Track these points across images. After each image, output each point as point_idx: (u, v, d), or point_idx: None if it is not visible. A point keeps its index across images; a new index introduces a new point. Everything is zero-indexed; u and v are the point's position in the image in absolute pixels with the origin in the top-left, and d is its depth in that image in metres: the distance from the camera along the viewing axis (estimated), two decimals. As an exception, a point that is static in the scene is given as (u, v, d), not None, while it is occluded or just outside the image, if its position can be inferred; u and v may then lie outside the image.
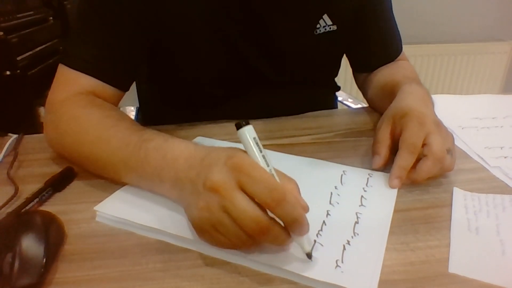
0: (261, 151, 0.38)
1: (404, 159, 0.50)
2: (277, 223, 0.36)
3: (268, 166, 0.38)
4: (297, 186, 0.39)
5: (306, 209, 0.38)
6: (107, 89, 0.60)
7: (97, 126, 0.52)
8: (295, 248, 0.39)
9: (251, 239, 0.37)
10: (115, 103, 0.63)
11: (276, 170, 0.39)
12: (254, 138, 0.38)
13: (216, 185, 0.36)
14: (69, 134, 0.54)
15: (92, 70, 0.59)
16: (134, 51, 0.63)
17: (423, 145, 0.50)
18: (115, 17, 0.60)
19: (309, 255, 0.38)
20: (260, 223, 0.35)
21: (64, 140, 0.55)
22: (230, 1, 0.64)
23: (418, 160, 0.50)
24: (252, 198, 0.35)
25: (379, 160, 0.54)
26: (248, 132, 0.38)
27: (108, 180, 0.51)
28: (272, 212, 0.36)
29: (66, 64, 0.59)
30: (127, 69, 0.64)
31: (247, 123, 0.38)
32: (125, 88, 0.64)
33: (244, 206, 0.35)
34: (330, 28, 0.70)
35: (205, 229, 0.38)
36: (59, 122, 0.56)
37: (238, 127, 0.38)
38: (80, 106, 0.56)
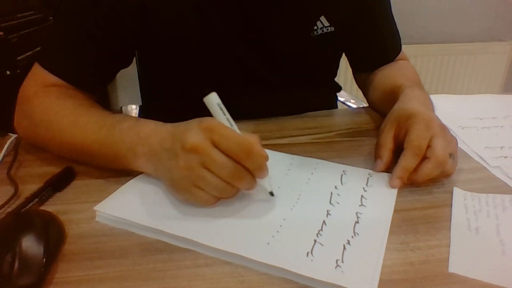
0: (224, 114, 0.44)
1: (408, 160, 0.50)
2: (247, 170, 0.43)
3: (232, 126, 0.44)
4: (259, 139, 0.44)
5: (266, 158, 0.43)
6: (77, 90, 0.61)
7: (71, 114, 0.55)
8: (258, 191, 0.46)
9: (228, 187, 0.43)
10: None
11: (240, 130, 0.44)
12: (218, 104, 0.43)
13: (194, 145, 0.41)
14: (44, 123, 0.56)
15: (62, 74, 0.60)
16: (107, 59, 0.63)
17: (427, 147, 0.50)
18: (92, 23, 0.60)
19: (271, 193, 0.47)
20: (237, 170, 0.42)
21: (38, 130, 0.58)
22: (226, 3, 0.64)
23: (420, 161, 0.50)
24: (225, 153, 0.41)
25: (380, 164, 0.54)
26: (213, 98, 0.43)
27: (84, 164, 0.54)
28: (241, 162, 0.42)
29: (40, 63, 0.61)
30: (97, 76, 0.64)
31: (211, 91, 0.43)
32: (94, 92, 0.65)
33: (222, 159, 0.41)
34: (327, 29, 0.70)
35: (186, 188, 0.43)
36: (33, 113, 0.58)
37: (204, 94, 0.43)
38: (54, 97, 0.58)
